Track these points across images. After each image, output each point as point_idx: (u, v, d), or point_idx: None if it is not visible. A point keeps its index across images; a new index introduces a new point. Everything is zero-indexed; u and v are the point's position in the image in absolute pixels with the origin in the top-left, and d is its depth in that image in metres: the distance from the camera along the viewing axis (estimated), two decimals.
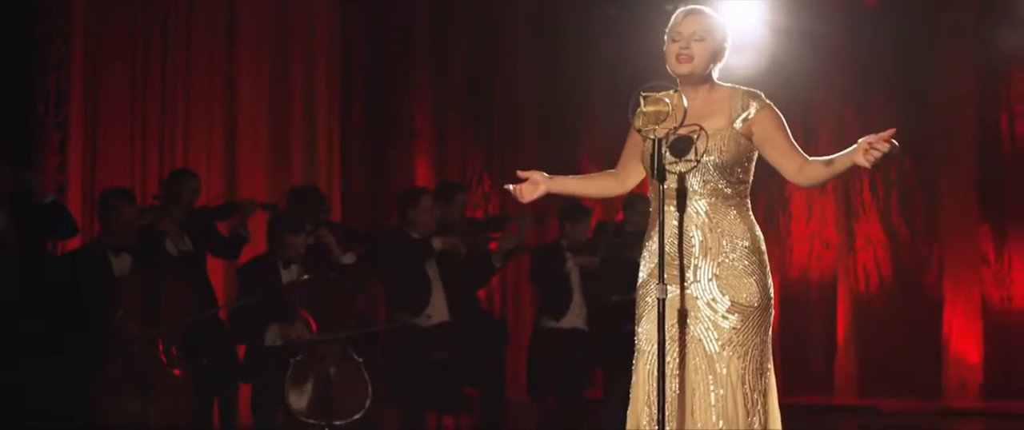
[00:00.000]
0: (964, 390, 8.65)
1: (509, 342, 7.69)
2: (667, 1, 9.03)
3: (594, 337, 7.20)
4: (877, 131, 3.41)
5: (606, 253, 7.30)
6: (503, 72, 9.82)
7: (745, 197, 3.71)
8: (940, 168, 8.91)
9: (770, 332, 3.69)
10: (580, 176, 4.01)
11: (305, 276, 6.34)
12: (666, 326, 3.60)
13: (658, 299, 3.56)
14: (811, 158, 3.64)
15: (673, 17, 3.77)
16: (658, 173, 3.58)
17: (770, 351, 3.68)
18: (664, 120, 3.63)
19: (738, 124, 3.66)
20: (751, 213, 3.72)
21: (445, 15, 9.76)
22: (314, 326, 6.25)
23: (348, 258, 6.52)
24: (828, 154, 3.56)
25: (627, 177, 3.91)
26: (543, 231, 8.45)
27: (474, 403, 7.04)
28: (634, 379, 3.74)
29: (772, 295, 3.68)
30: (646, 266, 3.77)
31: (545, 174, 3.88)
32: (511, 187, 3.88)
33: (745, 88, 3.75)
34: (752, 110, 3.67)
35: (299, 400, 6.13)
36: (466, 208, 7.66)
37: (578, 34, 9.57)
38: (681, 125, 3.58)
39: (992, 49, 8.77)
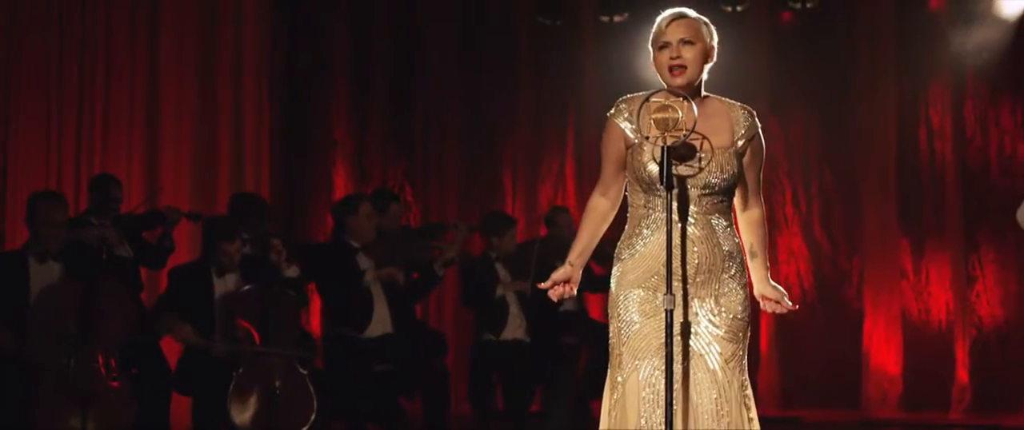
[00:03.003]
0: (884, 401, 8.78)
1: (450, 354, 7.57)
2: (601, 12, 9.11)
3: (537, 348, 7.13)
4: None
5: (537, 268, 7.26)
6: (424, 82, 9.70)
7: (731, 210, 3.70)
8: (861, 182, 9.05)
9: None
10: (584, 229, 3.74)
11: (246, 286, 6.15)
12: (657, 342, 3.55)
13: (666, 310, 3.48)
14: (751, 222, 3.69)
15: (657, 24, 3.68)
16: (668, 181, 3.49)
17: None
18: (673, 128, 3.57)
19: (740, 143, 3.63)
20: (734, 225, 3.71)
21: (366, 24, 9.60)
22: (256, 337, 6.06)
23: (292, 271, 6.36)
24: None
25: (617, 195, 3.76)
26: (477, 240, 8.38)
27: (411, 416, 6.90)
28: (617, 397, 3.62)
29: (750, 307, 3.69)
30: (628, 276, 3.65)
31: (570, 263, 3.70)
32: (550, 291, 3.71)
33: (740, 104, 3.70)
34: (751, 130, 3.65)
35: (242, 414, 5.95)
36: (401, 218, 7.54)
37: (502, 44, 9.51)
38: (691, 132, 3.52)
39: (911, 65, 8.96)
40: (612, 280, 3.68)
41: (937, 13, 8.94)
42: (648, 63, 9.37)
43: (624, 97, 3.73)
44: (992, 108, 8.88)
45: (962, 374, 8.68)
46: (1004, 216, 8.81)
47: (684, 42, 3.62)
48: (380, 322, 6.58)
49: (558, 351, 7.33)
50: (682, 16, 3.67)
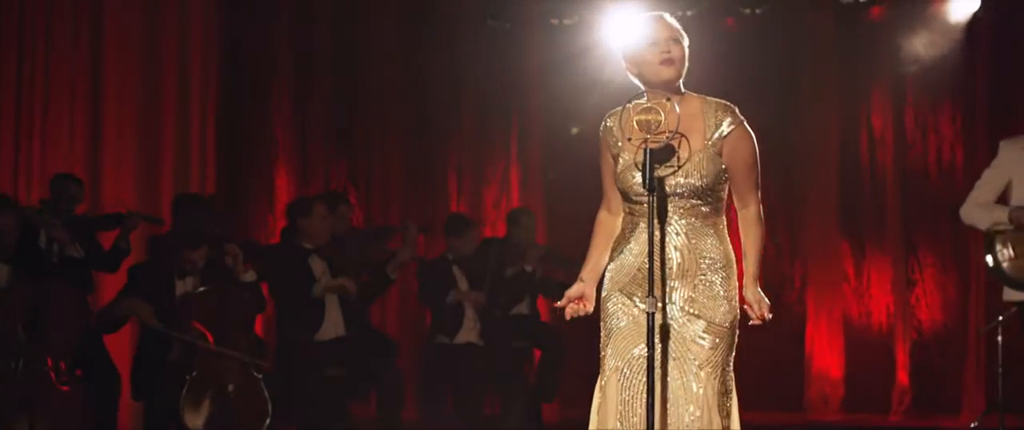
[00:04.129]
0: (826, 404, 8.88)
1: (401, 357, 7.51)
2: (550, 15, 9.11)
3: (489, 352, 7.10)
4: None
5: (494, 269, 7.24)
6: (369, 81, 9.60)
7: (721, 214, 3.69)
8: (804, 188, 9.15)
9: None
10: (594, 246, 3.79)
11: (201, 288, 6.04)
12: (638, 345, 3.55)
13: (647, 313, 3.48)
14: (744, 220, 3.70)
15: (643, 24, 3.69)
16: (650, 183, 3.49)
17: (733, 372, 3.67)
18: (656, 129, 3.58)
19: (713, 142, 3.61)
20: (726, 230, 3.70)
21: (308, 21, 9.48)
22: (211, 338, 5.95)
23: (249, 276, 6.26)
24: None
25: (619, 207, 3.78)
26: (431, 242, 8.32)
27: (364, 419, 6.84)
28: (600, 399, 3.63)
29: (739, 314, 3.66)
30: (610, 276, 3.68)
31: (581, 280, 3.73)
32: (566, 310, 3.73)
33: (717, 100, 3.69)
34: (726, 127, 3.62)
35: (195, 418, 5.85)
36: (350, 219, 7.47)
37: (449, 45, 9.45)
38: (674, 134, 3.53)
39: (853, 73, 9.08)
40: (603, 286, 3.70)
41: (879, 22, 9.07)
42: (597, 65, 9.42)
43: (611, 111, 3.73)
44: (932, 115, 9.03)
45: (902, 377, 8.81)
46: (943, 221, 8.99)
47: (673, 40, 3.66)
48: (332, 325, 6.52)
49: (510, 355, 7.32)
50: (665, 16, 3.72)
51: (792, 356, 9.00)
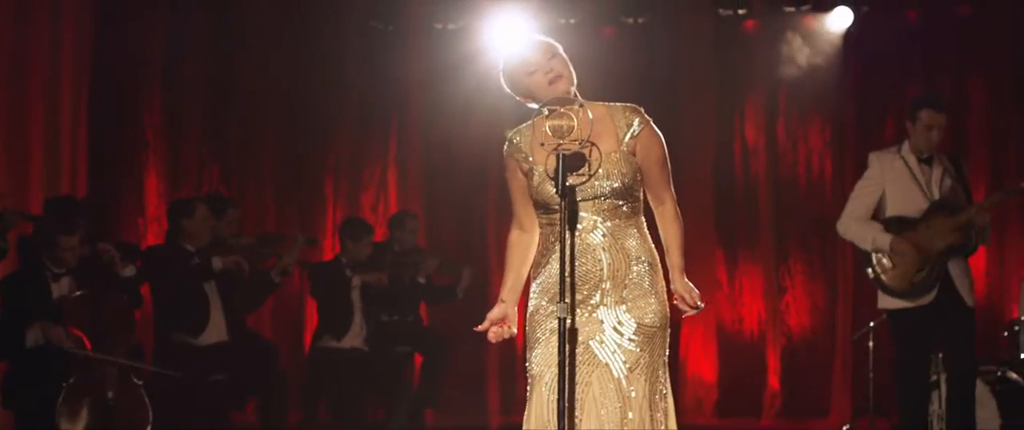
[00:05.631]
0: (700, 408, 9.02)
1: (283, 361, 7.40)
2: (434, 20, 9.08)
3: (373, 357, 7.05)
4: None
5: (391, 271, 7.22)
6: (243, 82, 9.41)
7: (640, 213, 3.72)
8: (679, 196, 9.24)
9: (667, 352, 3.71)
10: (509, 268, 3.76)
11: (78, 291, 5.85)
12: (570, 350, 3.56)
13: (560, 319, 3.49)
14: (663, 218, 3.73)
15: (513, 58, 3.69)
16: (562, 188, 3.50)
17: (667, 371, 3.70)
18: (569, 134, 3.60)
19: (626, 142, 3.64)
20: (646, 230, 3.73)
21: (181, 21, 9.26)
22: (88, 344, 5.77)
23: (129, 271, 6.09)
24: None
25: (532, 226, 3.76)
26: (317, 251, 8.21)
27: (248, 423, 6.72)
28: (529, 406, 3.63)
29: (668, 313, 3.69)
30: (539, 291, 3.68)
31: (502, 301, 3.71)
32: (490, 334, 3.70)
33: (623, 104, 3.73)
34: (636, 126, 3.66)
35: (72, 426, 5.64)
36: (238, 223, 7.33)
37: (327, 47, 9.33)
38: (585, 142, 3.55)
39: (728, 83, 9.27)
40: (529, 301, 3.69)
41: (753, 34, 9.28)
42: (480, 71, 9.43)
43: (513, 130, 3.73)
44: (802, 127, 9.27)
45: (773, 381, 9.01)
46: (812, 230, 9.25)
47: (549, 57, 3.67)
48: (215, 329, 6.39)
49: (393, 360, 7.27)
50: (532, 42, 3.71)
51: (669, 361, 9.10)
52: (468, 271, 7.93)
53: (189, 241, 6.42)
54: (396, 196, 9.42)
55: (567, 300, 3.51)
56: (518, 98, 3.72)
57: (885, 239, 5.70)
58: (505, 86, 3.73)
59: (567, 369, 3.54)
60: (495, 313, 3.70)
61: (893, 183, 5.78)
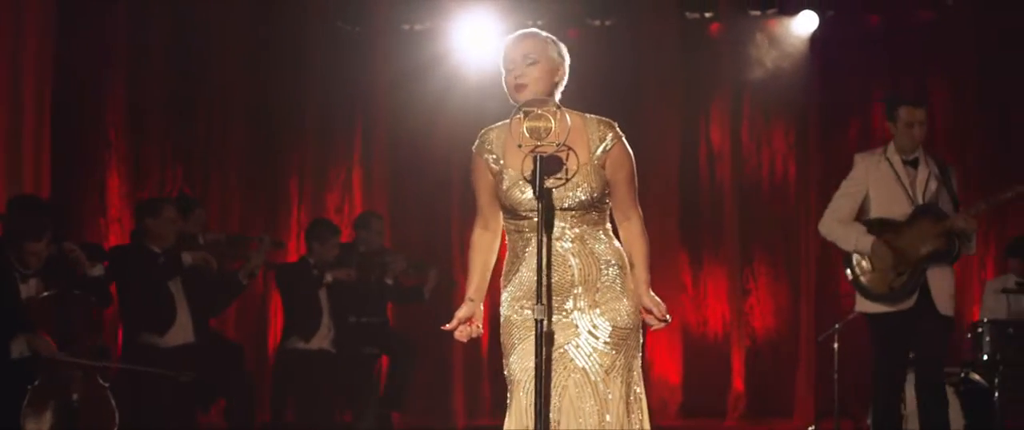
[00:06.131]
0: (665, 409, 9.05)
1: (247, 362, 7.35)
2: (402, 21, 9.04)
3: (340, 358, 7.02)
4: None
5: (358, 272, 7.19)
6: (208, 82, 9.34)
7: (607, 220, 3.73)
8: (644, 198, 9.26)
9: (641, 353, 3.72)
10: (473, 267, 3.75)
11: (45, 292, 5.78)
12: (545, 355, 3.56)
13: (536, 321, 3.49)
14: (628, 234, 3.71)
15: (504, 47, 3.70)
16: (540, 190, 3.50)
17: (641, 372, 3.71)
18: (546, 136, 3.60)
19: (597, 155, 3.65)
20: (613, 233, 3.74)
21: (145, 20, 9.18)
22: (55, 346, 5.70)
23: (97, 270, 6.02)
24: None
25: (497, 226, 3.76)
26: (282, 252, 8.16)
27: (215, 425, 6.67)
28: (508, 412, 3.63)
29: (640, 314, 3.70)
30: (511, 296, 3.67)
31: (469, 299, 3.69)
32: (457, 333, 3.68)
33: (598, 117, 3.74)
34: (608, 141, 3.66)
35: (38, 428, 5.57)
36: (204, 224, 7.27)
37: (293, 47, 9.27)
38: (562, 145, 3.56)
39: (693, 87, 9.31)
40: (501, 308, 3.69)
41: (718, 37, 9.32)
42: (447, 72, 9.42)
43: (485, 128, 3.72)
44: (766, 130, 9.33)
45: (737, 383, 9.06)
46: (777, 233, 9.31)
47: (528, 63, 3.65)
48: (181, 330, 6.34)
49: (360, 362, 7.24)
50: (526, 36, 3.71)
51: None
52: (435, 272, 7.92)
53: (155, 242, 6.36)
54: (361, 197, 9.38)
55: (544, 303, 3.51)
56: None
57: (867, 240, 5.63)
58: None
59: (544, 374, 3.54)
60: (462, 312, 3.68)
61: (877, 184, 5.71)
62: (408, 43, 9.10)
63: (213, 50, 9.24)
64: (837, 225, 5.76)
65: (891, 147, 5.74)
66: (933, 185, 5.67)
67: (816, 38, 8.95)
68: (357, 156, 9.46)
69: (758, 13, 9.09)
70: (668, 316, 3.71)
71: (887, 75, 9.11)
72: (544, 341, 3.53)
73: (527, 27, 3.86)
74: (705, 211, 9.36)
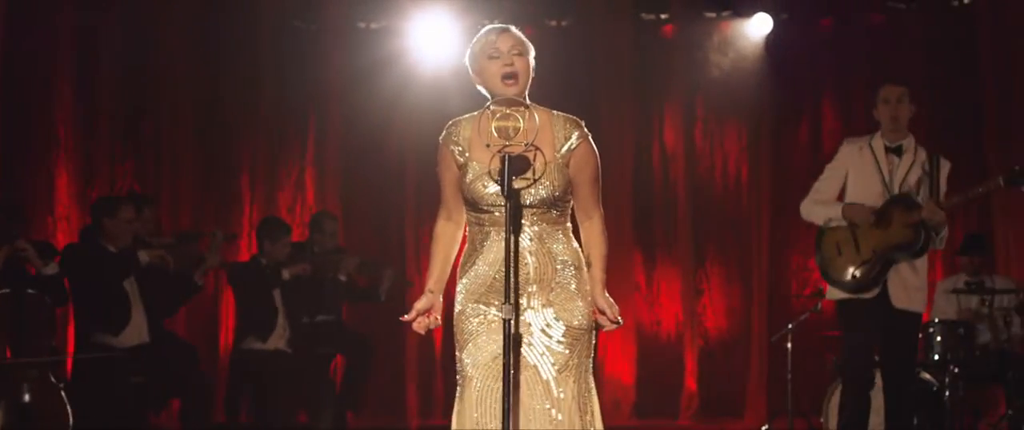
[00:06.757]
0: (618, 410, 9.08)
1: (203, 363, 7.28)
2: (358, 19, 9.00)
3: (296, 358, 6.97)
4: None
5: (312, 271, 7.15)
6: (159, 78, 9.22)
7: (568, 219, 3.75)
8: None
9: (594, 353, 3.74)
10: (435, 257, 3.75)
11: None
12: (496, 353, 3.56)
13: (504, 320, 3.50)
14: (588, 233, 3.74)
15: (484, 37, 3.71)
16: (509, 190, 3.50)
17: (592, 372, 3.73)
18: (515, 136, 3.61)
19: (562, 153, 3.65)
20: (572, 234, 3.75)
21: (94, 14, 9.05)
22: (8, 349, 5.62)
23: (51, 268, 5.93)
24: None
25: (461, 218, 3.77)
26: (235, 251, 8.08)
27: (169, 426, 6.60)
28: (458, 405, 3.64)
29: (594, 315, 3.72)
30: (465, 289, 3.68)
31: (429, 291, 3.68)
32: (415, 324, 3.65)
33: (565, 115, 3.75)
34: (574, 140, 3.68)
35: None
36: (154, 222, 7.19)
37: (245, 44, 9.19)
38: (531, 145, 3.56)
39: (647, 88, 9.35)
40: (456, 300, 3.68)
41: (671, 39, 9.37)
42: (402, 70, 9.35)
43: (453, 120, 3.72)
44: (718, 131, 9.39)
45: (690, 382, 9.11)
46: (729, 233, 9.38)
47: (516, 52, 3.66)
48: (136, 330, 6.26)
49: (316, 361, 7.20)
50: (510, 29, 3.72)
51: None
52: (390, 272, 7.88)
53: (110, 241, 6.28)
54: (314, 196, 9.32)
55: (489, 304, 3.54)
56: (472, 78, 3.70)
57: (837, 206, 5.58)
58: (466, 59, 3.71)
59: (493, 370, 3.56)
60: (421, 303, 3.68)
61: (856, 170, 5.63)
62: (364, 41, 9.06)
63: (164, 47, 9.13)
64: (816, 205, 5.69)
65: (877, 134, 5.66)
66: (914, 176, 5.57)
67: (769, 40, 9.02)
68: (310, 155, 9.39)
69: (713, 15, 9.15)
70: (620, 318, 3.72)
71: (837, 78, 9.21)
72: (512, 342, 3.54)
73: (482, 27, 3.86)
74: (658, 211, 9.40)
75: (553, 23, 9.22)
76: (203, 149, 9.26)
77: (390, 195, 9.28)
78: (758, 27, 8.98)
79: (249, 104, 9.24)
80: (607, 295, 3.73)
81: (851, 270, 5.53)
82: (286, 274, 6.99)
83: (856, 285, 5.52)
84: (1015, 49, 8.61)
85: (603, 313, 3.71)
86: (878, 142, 5.64)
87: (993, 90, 8.69)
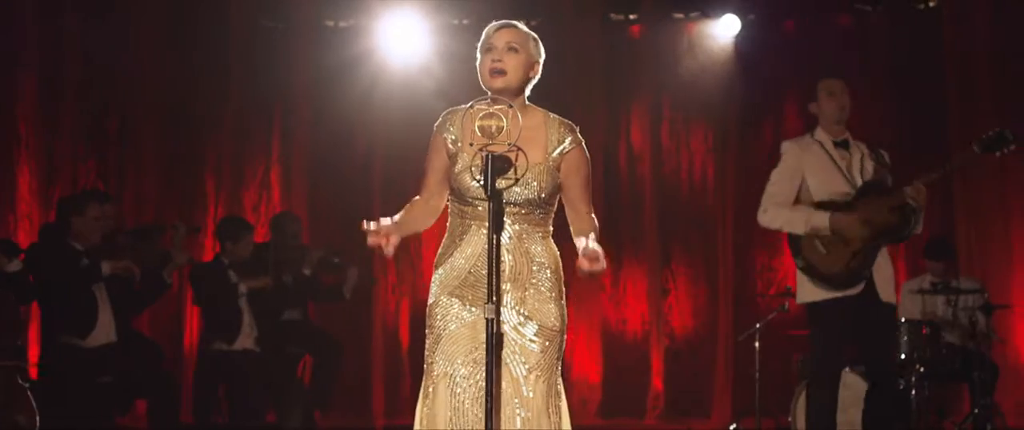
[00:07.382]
0: (584, 409, 9.09)
1: (168, 362, 7.21)
2: (325, 17, 8.95)
3: (266, 358, 6.92)
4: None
5: (275, 269, 7.09)
6: (123, 75, 9.13)
7: (550, 223, 3.76)
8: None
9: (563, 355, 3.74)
10: (406, 211, 3.68)
11: None
12: (469, 350, 3.55)
13: (487, 319, 3.48)
14: (586, 223, 3.71)
15: (485, 31, 3.74)
16: (492, 190, 3.49)
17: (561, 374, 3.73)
18: (497, 136, 3.59)
19: (553, 156, 3.67)
20: (552, 239, 3.76)
21: (57, 9, 8.94)
22: None
23: (14, 265, 5.86)
24: None
25: (437, 205, 3.75)
26: (199, 248, 8.01)
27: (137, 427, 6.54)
28: (428, 404, 3.62)
29: (567, 318, 3.72)
30: (440, 280, 3.67)
31: (394, 221, 3.56)
32: (369, 238, 3.51)
33: (560, 118, 3.78)
34: (567, 144, 3.71)
35: None
36: (117, 219, 7.12)
37: (211, 43, 9.11)
38: (513, 146, 3.56)
39: (615, 88, 9.36)
40: (430, 290, 3.67)
41: (639, 40, 9.40)
42: (370, 70, 9.31)
43: (449, 109, 3.72)
44: (685, 132, 9.43)
45: (657, 382, 9.14)
46: (696, 233, 9.41)
47: (509, 49, 3.69)
48: (104, 330, 6.20)
49: (285, 360, 7.15)
50: (511, 25, 3.74)
51: None
52: (354, 270, 7.83)
53: (78, 240, 6.21)
54: (279, 195, 9.27)
55: (471, 302, 3.53)
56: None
57: (823, 217, 5.38)
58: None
59: (468, 369, 3.57)
60: (384, 227, 3.49)
61: (812, 168, 5.48)
62: (331, 40, 9.02)
63: (128, 43, 9.04)
64: (782, 210, 5.49)
65: (818, 130, 5.54)
66: (870, 165, 5.48)
67: (737, 42, 9.06)
68: (276, 154, 9.34)
69: (681, 16, 9.18)
70: (602, 264, 3.50)
71: (804, 79, 9.23)
72: (495, 341, 3.53)
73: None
74: (625, 211, 9.42)
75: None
76: (168, 147, 9.18)
77: (357, 194, 9.23)
78: (726, 28, 9.02)
79: (215, 102, 9.17)
80: (597, 246, 3.54)
81: (846, 262, 5.34)
82: (243, 288, 6.90)
83: (849, 277, 5.34)
84: (979, 51, 8.71)
85: (592, 258, 3.49)
86: (823, 137, 5.52)
87: (957, 91, 8.78)
